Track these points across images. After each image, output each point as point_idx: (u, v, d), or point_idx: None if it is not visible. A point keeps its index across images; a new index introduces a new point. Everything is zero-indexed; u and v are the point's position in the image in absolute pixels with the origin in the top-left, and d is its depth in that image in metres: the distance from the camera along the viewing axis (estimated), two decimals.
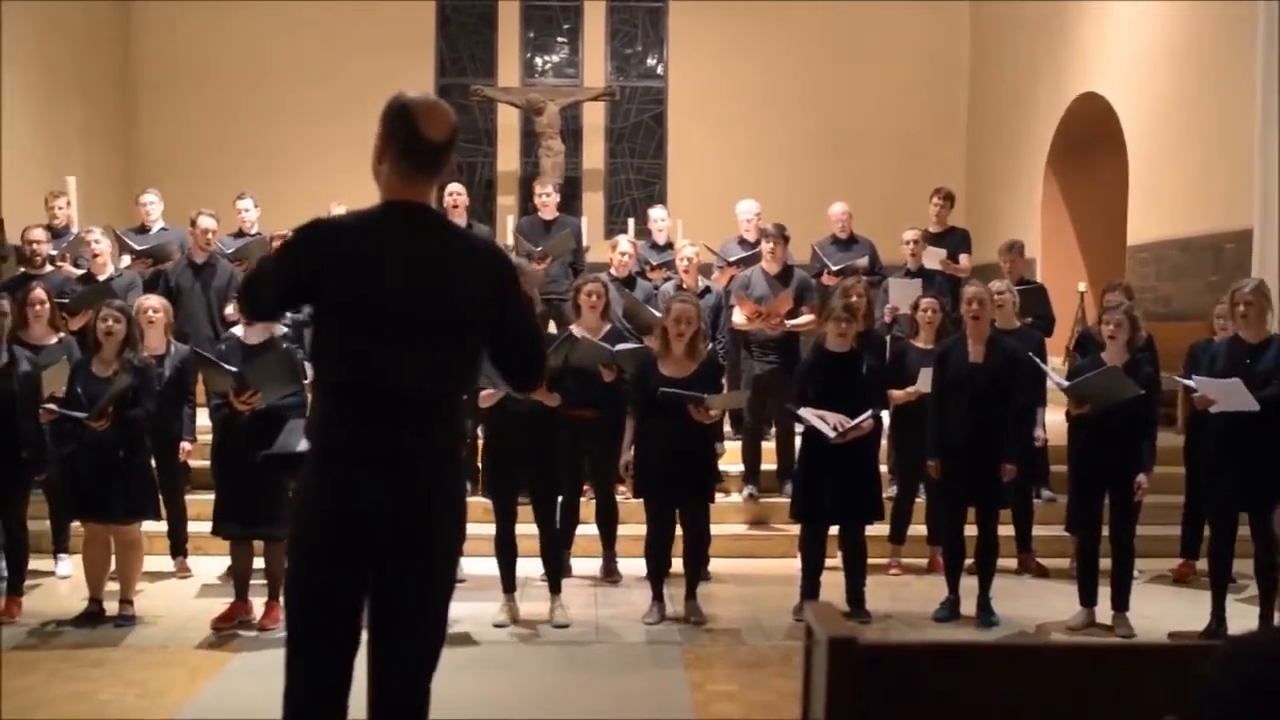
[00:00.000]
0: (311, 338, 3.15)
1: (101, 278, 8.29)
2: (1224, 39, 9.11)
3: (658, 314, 7.51)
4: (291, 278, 3.03)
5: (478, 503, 7.58)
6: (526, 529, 6.40)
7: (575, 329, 6.84)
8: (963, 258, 9.17)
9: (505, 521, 6.33)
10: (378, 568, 3.04)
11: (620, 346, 6.80)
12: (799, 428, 6.48)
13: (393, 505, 2.98)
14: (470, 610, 6.50)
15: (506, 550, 6.35)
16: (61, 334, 7.18)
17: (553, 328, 8.03)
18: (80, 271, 8.64)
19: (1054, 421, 7.39)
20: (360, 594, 3.06)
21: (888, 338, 8.50)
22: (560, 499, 6.62)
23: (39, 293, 7.13)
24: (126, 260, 8.88)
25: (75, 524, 6.65)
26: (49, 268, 8.48)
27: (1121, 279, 8.38)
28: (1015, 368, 6.41)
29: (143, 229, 9.30)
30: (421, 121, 2.94)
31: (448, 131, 3.00)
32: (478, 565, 7.19)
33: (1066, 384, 6.32)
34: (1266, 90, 8.36)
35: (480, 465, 6.60)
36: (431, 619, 3.11)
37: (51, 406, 6.28)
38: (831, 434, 6.15)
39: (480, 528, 7.28)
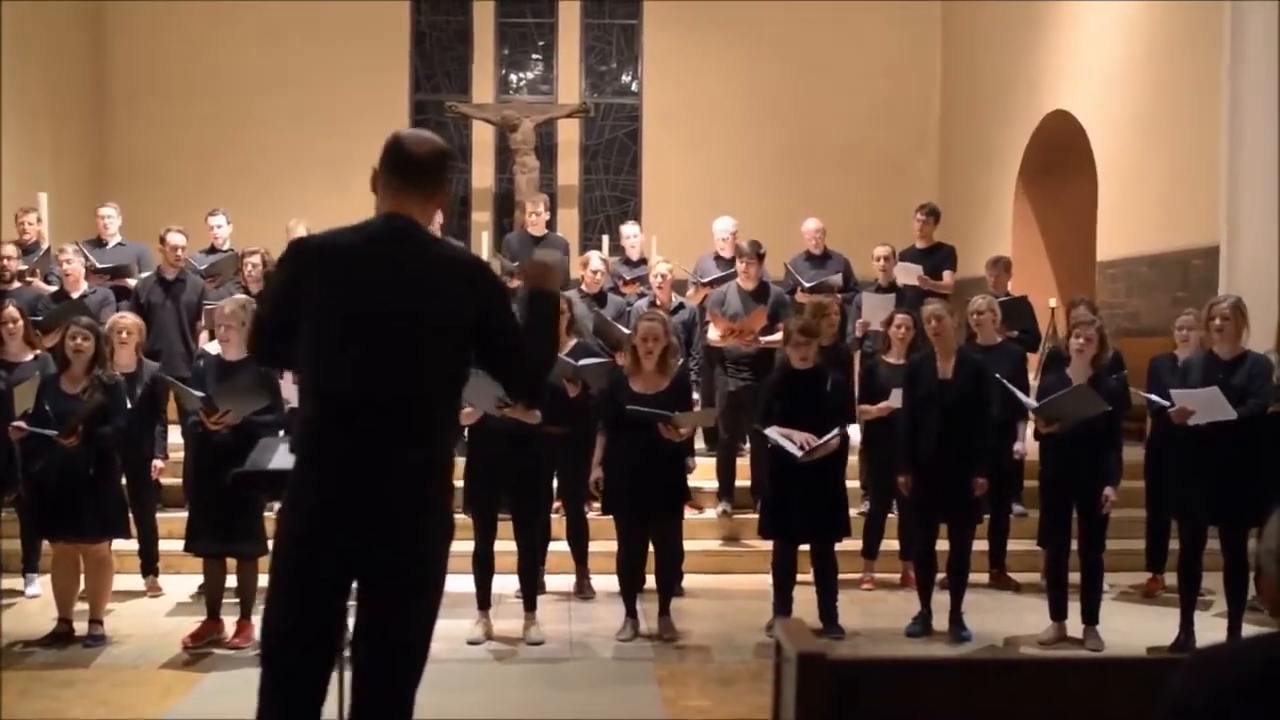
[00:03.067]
0: (300, 345, 3.15)
1: (75, 294, 8.25)
2: (1191, 59, 9.22)
3: (627, 331, 7.53)
4: (288, 290, 3.13)
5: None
6: (501, 545, 6.39)
7: None
8: (946, 274, 9.19)
9: (485, 538, 6.33)
10: (362, 579, 3.05)
11: (584, 361, 6.82)
12: (769, 444, 6.49)
13: (373, 517, 3.00)
14: (444, 627, 6.37)
15: (484, 567, 6.34)
16: (37, 351, 7.13)
17: None
18: (53, 288, 8.59)
19: (1027, 436, 7.45)
20: (337, 609, 3.07)
21: (857, 353, 8.56)
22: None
23: (12, 310, 7.09)
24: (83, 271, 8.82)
25: (46, 543, 6.59)
26: (17, 284, 8.43)
27: (1086, 296, 8.45)
28: (983, 382, 6.46)
29: (100, 242, 9.25)
30: (406, 141, 3.18)
31: (430, 149, 3.17)
32: (451, 581, 7.14)
33: (1036, 405, 6.36)
34: (1233, 109, 8.47)
35: (460, 482, 6.59)
36: (415, 632, 3.12)
37: (21, 424, 6.24)
38: (798, 453, 6.17)
39: (455, 545, 7.30)
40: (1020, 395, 6.60)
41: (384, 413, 3.01)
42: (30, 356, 7.05)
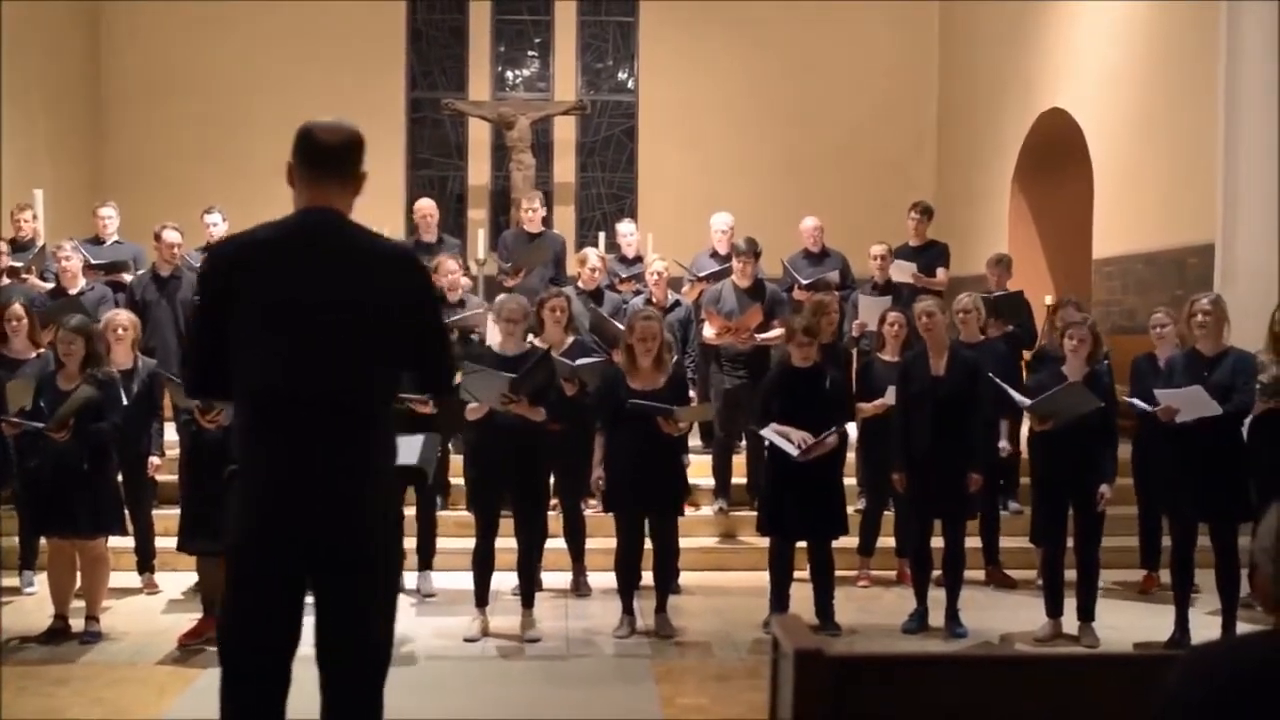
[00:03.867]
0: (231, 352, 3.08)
1: (72, 291, 8.25)
2: (1187, 57, 9.23)
3: (623, 327, 7.54)
4: (214, 302, 3.08)
5: (448, 517, 7.64)
6: (499, 543, 6.39)
7: (538, 343, 6.85)
8: (940, 272, 9.23)
9: (486, 536, 6.33)
10: (314, 583, 3.05)
11: (581, 361, 6.82)
12: (767, 442, 6.51)
13: (316, 514, 2.98)
14: (441, 625, 6.50)
15: (484, 565, 6.35)
16: (40, 349, 7.13)
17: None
18: (49, 286, 8.59)
19: (1021, 435, 7.46)
20: (292, 607, 3.05)
21: (854, 351, 8.58)
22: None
23: (16, 307, 7.10)
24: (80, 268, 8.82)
25: (43, 540, 6.59)
26: (7, 279, 8.42)
27: (1075, 295, 8.47)
28: (976, 380, 6.47)
29: (98, 240, 9.25)
30: (316, 131, 3.11)
31: (341, 136, 3.11)
32: (449, 579, 7.19)
33: (1029, 402, 6.38)
34: (1229, 107, 8.49)
35: (455, 479, 6.61)
36: (374, 628, 3.10)
37: (14, 419, 6.23)
38: (795, 451, 6.18)
39: (452, 542, 7.32)
40: (1013, 393, 6.61)
41: (316, 407, 2.98)
42: (34, 354, 7.06)
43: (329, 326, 2.98)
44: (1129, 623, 6.63)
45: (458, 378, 6.38)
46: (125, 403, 6.57)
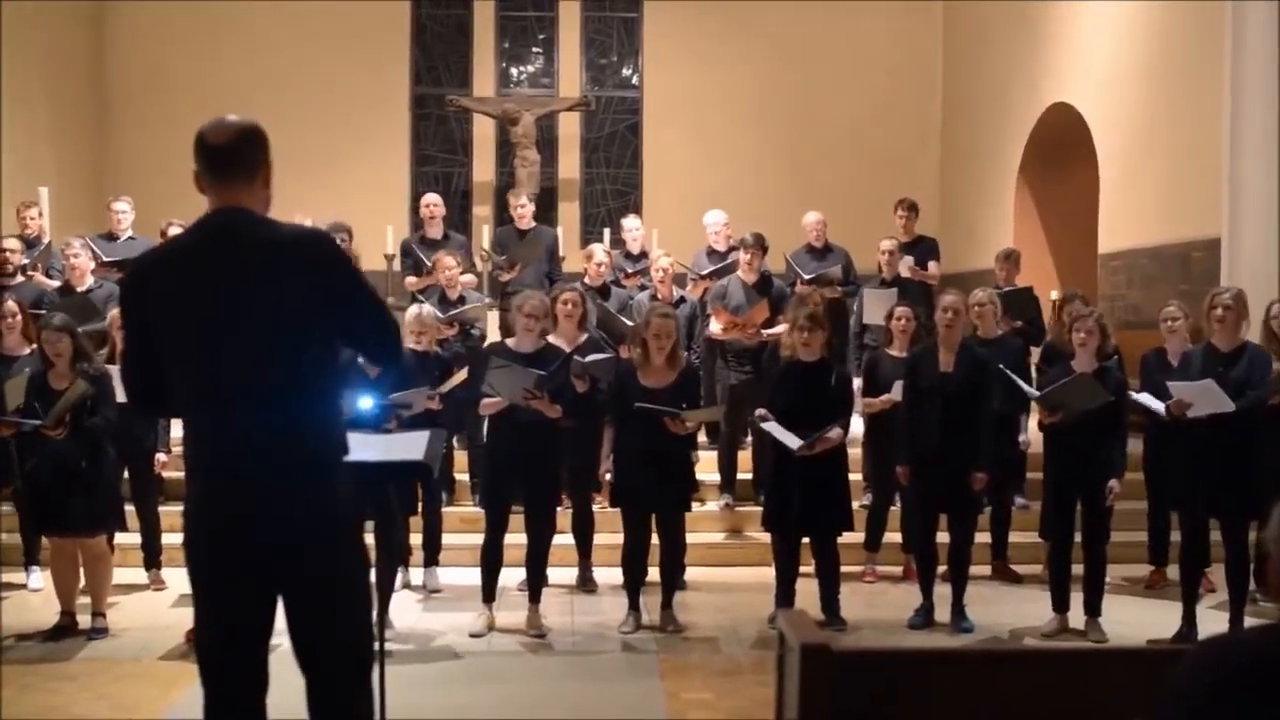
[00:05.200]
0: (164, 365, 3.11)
1: (80, 289, 8.25)
2: (1193, 50, 9.21)
3: (630, 323, 7.53)
4: (138, 332, 3.13)
5: (452, 513, 7.64)
6: (509, 538, 6.39)
7: (550, 339, 6.85)
8: (932, 265, 9.31)
9: (495, 531, 6.33)
10: (278, 584, 3.04)
11: (591, 357, 6.82)
12: (770, 437, 6.49)
13: (266, 520, 2.95)
14: (447, 620, 6.50)
15: (492, 560, 6.34)
16: (34, 345, 7.12)
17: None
18: (56, 283, 8.59)
19: (1031, 428, 7.46)
20: (258, 611, 3.05)
21: (856, 346, 8.61)
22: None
23: (11, 304, 7.09)
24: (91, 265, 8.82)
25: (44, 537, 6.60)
26: (19, 278, 8.43)
27: (1079, 290, 8.46)
28: (985, 376, 6.46)
29: (111, 236, 9.25)
30: (207, 134, 3.06)
31: (231, 134, 3.06)
32: (455, 575, 7.19)
33: (1038, 393, 6.36)
34: (1235, 101, 8.46)
35: (461, 475, 6.61)
36: (339, 634, 3.08)
37: (11, 419, 6.23)
38: (795, 445, 6.16)
39: (457, 538, 7.32)
40: (1022, 384, 6.60)
41: (249, 408, 2.96)
42: (28, 351, 7.04)
43: (248, 325, 2.96)
44: (1136, 618, 6.61)
45: (456, 380, 6.40)
46: (123, 400, 6.56)
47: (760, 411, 6.42)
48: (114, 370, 6.47)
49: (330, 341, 3.11)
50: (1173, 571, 6.88)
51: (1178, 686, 2.01)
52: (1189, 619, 6.20)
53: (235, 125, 3.08)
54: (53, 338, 6.25)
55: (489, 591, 6.38)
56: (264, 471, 2.96)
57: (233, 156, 3.05)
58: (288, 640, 3.10)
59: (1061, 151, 11.65)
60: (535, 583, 6.41)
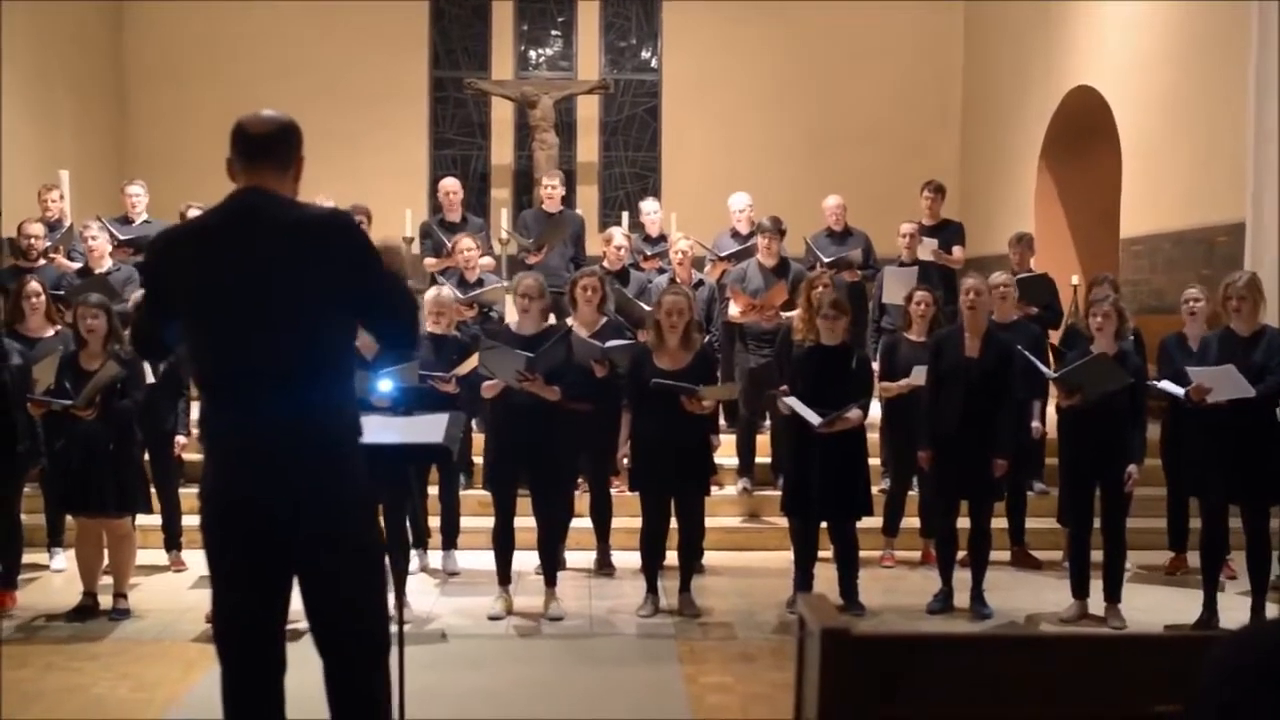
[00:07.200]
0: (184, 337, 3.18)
1: (99, 271, 8.29)
2: (1218, 33, 9.12)
3: (648, 307, 7.52)
4: (154, 297, 3.24)
5: (471, 496, 7.66)
6: (522, 522, 6.40)
7: (570, 322, 6.85)
8: (956, 249, 9.23)
9: (504, 514, 6.34)
10: (293, 562, 3.05)
11: (611, 343, 6.81)
12: (790, 420, 6.47)
13: (281, 498, 2.97)
14: (464, 604, 6.52)
15: (504, 543, 6.36)
16: (58, 326, 7.17)
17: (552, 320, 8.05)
18: (77, 265, 8.63)
19: (1048, 414, 7.42)
20: (275, 589, 3.06)
21: (873, 330, 8.60)
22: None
23: (34, 285, 7.13)
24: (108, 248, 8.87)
25: (69, 517, 6.64)
26: (42, 261, 8.48)
27: (1108, 272, 8.41)
28: (1009, 362, 6.42)
29: (126, 220, 9.29)
30: (246, 125, 3.16)
31: (269, 127, 3.15)
32: (471, 559, 7.21)
33: (1055, 374, 6.33)
34: (1260, 84, 8.37)
35: (478, 458, 6.62)
36: (357, 615, 3.10)
37: (42, 398, 6.27)
38: (816, 421, 6.15)
39: (474, 521, 7.34)
40: (1040, 365, 6.56)
41: (265, 387, 2.98)
42: (51, 332, 7.10)
43: (264, 307, 2.98)
44: (1155, 604, 6.59)
45: (472, 363, 6.39)
46: (151, 381, 6.61)
47: (782, 388, 6.40)
48: None
49: (348, 324, 3.13)
50: (1193, 558, 6.85)
51: (1213, 675, 1.96)
52: (1210, 606, 6.18)
53: (274, 118, 3.17)
54: (88, 313, 6.28)
55: (504, 574, 6.39)
56: (280, 453, 2.97)
57: (268, 147, 3.12)
58: (306, 623, 3.11)
59: (1083, 135, 11.56)
60: (549, 567, 6.41)
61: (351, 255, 3.07)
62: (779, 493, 6.86)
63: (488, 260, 9.04)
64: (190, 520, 7.27)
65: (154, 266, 3.28)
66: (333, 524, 3.02)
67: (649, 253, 9.29)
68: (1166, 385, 6.48)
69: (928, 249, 8.95)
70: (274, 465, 2.97)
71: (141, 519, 6.68)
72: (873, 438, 7.18)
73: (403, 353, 4.93)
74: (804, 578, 6.38)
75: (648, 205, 9.87)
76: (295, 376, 2.99)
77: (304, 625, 3.17)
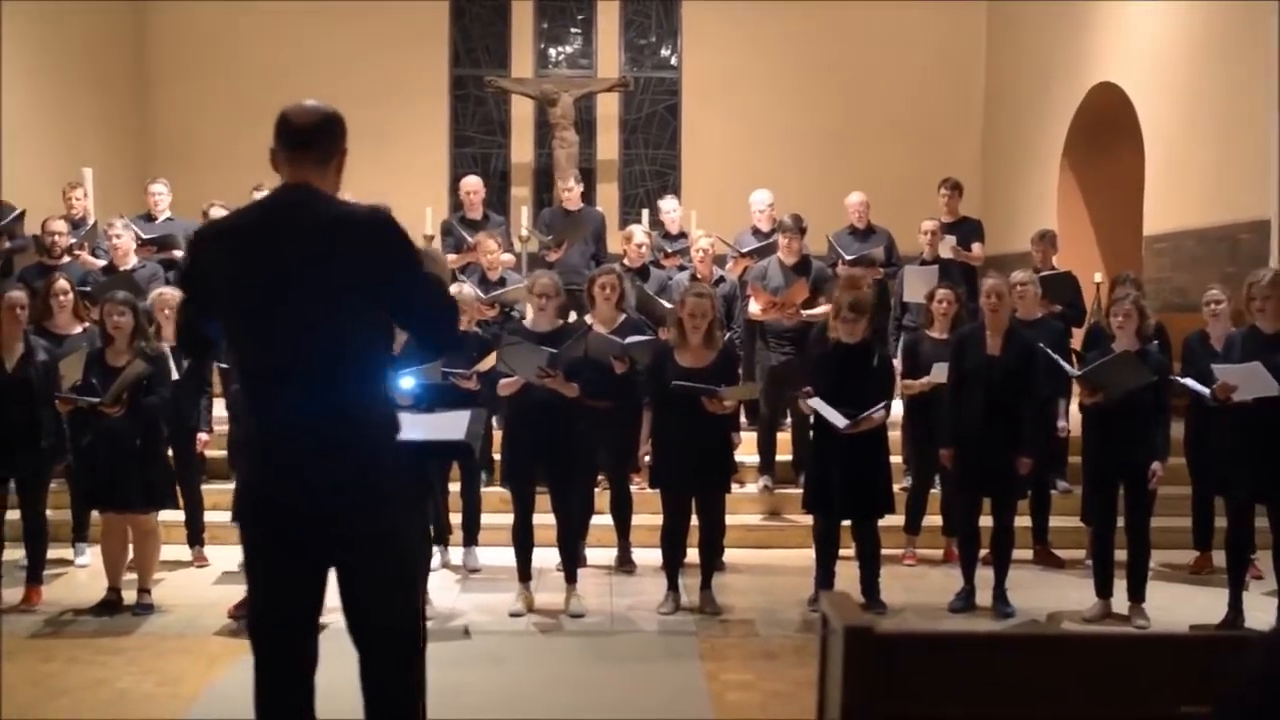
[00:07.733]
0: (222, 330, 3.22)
1: (124, 268, 8.34)
2: (1242, 30, 9.05)
3: (669, 305, 7.52)
4: (194, 278, 3.28)
5: (492, 493, 7.67)
6: (542, 519, 6.41)
7: (589, 320, 6.86)
8: (975, 246, 9.20)
9: (523, 510, 6.35)
10: (330, 557, 3.05)
11: (631, 339, 6.81)
12: (813, 418, 6.47)
13: (317, 492, 2.98)
14: (485, 600, 6.53)
15: (523, 539, 6.37)
16: (85, 324, 7.22)
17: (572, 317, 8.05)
18: (102, 262, 8.69)
19: (1071, 412, 7.38)
20: (310, 584, 3.07)
21: (895, 327, 8.58)
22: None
23: (63, 283, 7.19)
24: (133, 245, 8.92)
25: (94, 513, 6.69)
26: (67, 258, 8.54)
27: (1132, 271, 8.36)
28: (1032, 361, 6.39)
29: (150, 218, 9.35)
30: (290, 114, 3.16)
31: (313, 117, 3.14)
32: (492, 555, 7.23)
33: (1079, 371, 6.30)
34: None
35: (499, 455, 6.63)
36: (393, 610, 3.10)
37: (69, 395, 6.32)
38: (841, 423, 6.14)
39: (494, 518, 7.35)
40: (1063, 363, 6.54)
41: (302, 383, 2.98)
42: (79, 329, 7.15)
43: (304, 301, 2.99)
44: (1180, 603, 6.55)
45: (493, 359, 6.40)
46: (175, 377, 6.64)
47: (806, 389, 6.39)
48: (168, 348, 6.57)
49: (386, 322, 3.13)
50: (1218, 557, 6.80)
51: (1248, 678, 1.93)
52: (1235, 605, 6.13)
53: (318, 109, 3.17)
54: (115, 310, 6.32)
55: (524, 571, 6.40)
56: (316, 449, 2.98)
57: (312, 137, 3.12)
58: (341, 617, 3.12)
59: (1106, 132, 11.50)
60: (569, 563, 6.42)
61: (392, 253, 3.07)
62: (800, 490, 6.85)
63: (508, 258, 9.06)
64: (212, 516, 7.31)
65: (194, 262, 3.31)
66: (369, 520, 3.02)
67: (669, 250, 9.30)
68: (1190, 383, 6.44)
69: (947, 246, 8.94)
70: (310, 461, 2.98)
71: (163, 514, 6.72)
72: (894, 435, 7.17)
73: (444, 354, 4.96)
74: (825, 576, 6.37)
75: (666, 204, 9.88)
76: (332, 374, 3.01)
77: (329, 620, 3.18)
